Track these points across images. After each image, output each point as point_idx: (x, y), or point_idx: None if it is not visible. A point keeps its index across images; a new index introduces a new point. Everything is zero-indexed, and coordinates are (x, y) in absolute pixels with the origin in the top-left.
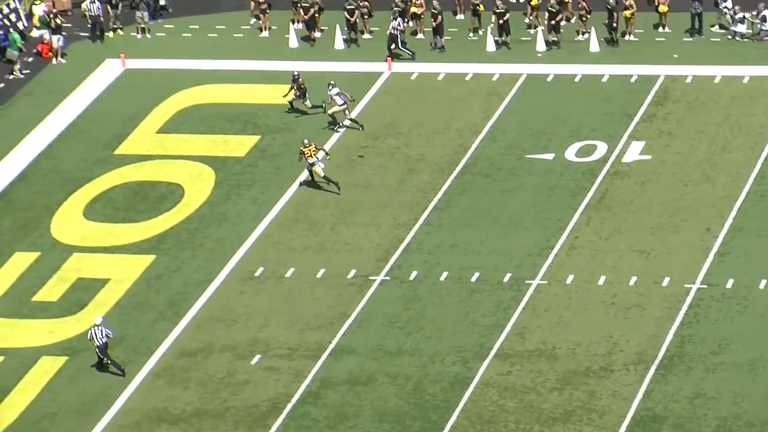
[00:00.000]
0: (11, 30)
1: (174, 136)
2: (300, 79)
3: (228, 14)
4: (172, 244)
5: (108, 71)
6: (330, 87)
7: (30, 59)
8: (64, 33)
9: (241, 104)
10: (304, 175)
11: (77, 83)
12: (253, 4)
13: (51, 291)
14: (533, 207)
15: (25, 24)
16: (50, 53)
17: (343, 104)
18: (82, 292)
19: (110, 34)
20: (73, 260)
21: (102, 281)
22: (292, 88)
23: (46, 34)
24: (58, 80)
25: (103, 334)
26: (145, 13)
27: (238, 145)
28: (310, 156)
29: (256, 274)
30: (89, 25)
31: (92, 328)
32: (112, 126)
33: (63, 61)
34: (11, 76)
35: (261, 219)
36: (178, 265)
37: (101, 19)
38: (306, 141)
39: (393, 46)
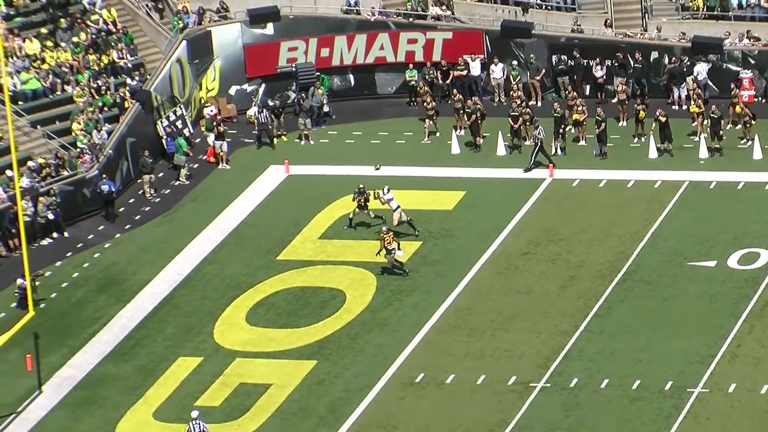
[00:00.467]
0: (178, 136)
1: (336, 242)
2: (366, 193)
3: (390, 121)
4: (333, 350)
5: (271, 177)
6: (384, 192)
7: (195, 165)
8: (228, 139)
9: (404, 210)
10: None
11: (241, 189)
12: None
13: (213, 396)
14: (695, 314)
15: (191, 130)
16: (214, 158)
17: (397, 208)
18: (244, 397)
19: (274, 140)
20: (236, 365)
21: (264, 386)
22: (355, 199)
23: (210, 137)
24: (222, 186)
25: (200, 430)
26: (308, 120)
27: (411, 246)
28: (390, 243)
29: (417, 379)
30: (255, 132)
31: (190, 423)
32: (275, 232)
33: (227, 166)
34: (177, 182)
35: (422, 325)
36: (339, 370)
37: (269, 126)
38: (385, 229)
39: (536, 153)
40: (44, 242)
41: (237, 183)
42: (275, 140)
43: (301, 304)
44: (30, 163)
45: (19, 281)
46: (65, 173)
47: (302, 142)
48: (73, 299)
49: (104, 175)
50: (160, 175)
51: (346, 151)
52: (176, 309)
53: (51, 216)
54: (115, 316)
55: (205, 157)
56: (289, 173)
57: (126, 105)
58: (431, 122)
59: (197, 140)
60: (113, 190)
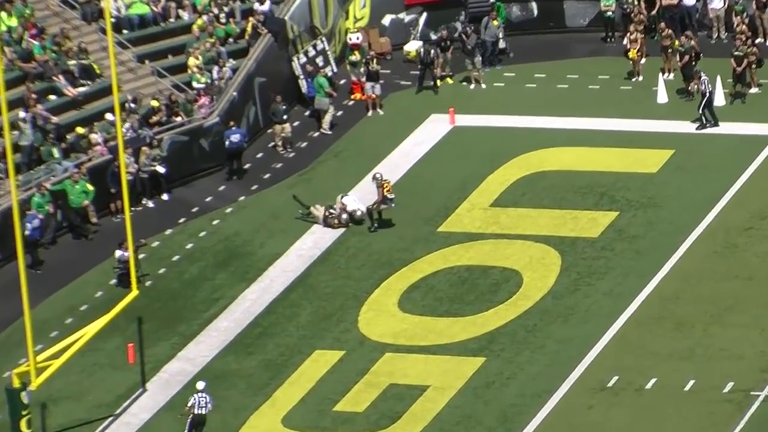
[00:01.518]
0: (318, 75)
1: (512, 211)
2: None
3: (582, 60)
4: (505, 345)
5: (432, 129)
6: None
7: (339, 113)
8: (381, 81)
9: (596, 173)
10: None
11: (395, 143)
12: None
13: (357, 399)
14: None
15: (335, 69)
16: (363, 95)
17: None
18: (395, 401)
19: (437, 82)
20: (385, 362)
21: (419, 388)
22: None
23: (357, 76)
24: (372, 139)
25: (206, 404)
26: (479, 59)
27: (591, 224)
28: (389, 191)
29: (609, 384)
30: (417, 71)
31: (195, 396)
32: (436, 197)
33: (380, 112)
34: (317, 133)
35: (616, 316)
36: (513, 370)
37: (432, 65)
38: (378, 174)
39: (703, 106)
40: (150, 204)
41: (390, 135)
42: (438, 82)
43: (467, 287)
44: (108, 116)
45: (119, 253)
46: (178, 119)
47: (471, 86)
48: (185, 276)
49: (232, 123)
50: (296, 124)
51: (526, 98)
52: (312, 291)
53: (161, 169)
54: (237, 299)
55: (350, 102)
56: (454, 124)
57: (254, 34)
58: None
59: (341, 82)
60: (243, 141)
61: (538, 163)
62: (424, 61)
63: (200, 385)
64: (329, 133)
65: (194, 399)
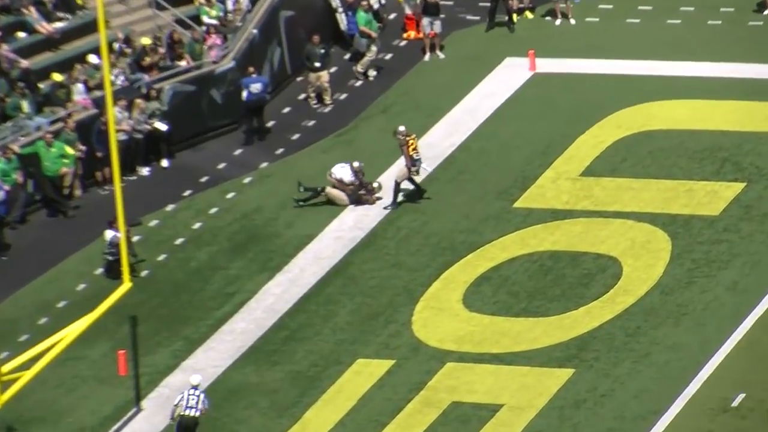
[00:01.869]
0: (358, 7)
1: (608, 182)
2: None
3: None
4: (600, 353)
5: (507, 77)
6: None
7: (388, 56)
8: (442, 15)
9: (717, 132)
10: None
11: (459, 94)
12: None
13: (410, 422)
14: None
15: (382, 1)
16: (418, 33)
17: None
18: (458, 424)
19: (514, 17)
20: (446, 374)
21: (489, 408)
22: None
23: (407, 7)
24: (430, 88)
25: (199, 405)
26: None
27: (710, 198)
28: (415, 150)
29: (734, 403)
30: (489, 1)
31: (185, 393)
32: (511, 163)
33: (440, 55)
34: (358, 82)
35: (742, 316)
36: (610, 385)
37: None
38: (402, 128)
39: None
40: (145, 172)
41: (453, 83)
42: (515, 17)
43: (551, 279)
44: (91, 59)
45: (109, 234)
46: (182, 64)
47: (557, 22)
48: (192, 264)
49: (251, 69)
50: (333, 70)
51: (627, 38)
52: (353, 283)
53: (161, 127)
54: (257, 293)
55: (403, 42)
56: (535, 70)
57: None
58: None
59: (391, 16)
60: (265, 92)
61: (642, 120)
62: None
63: (194, 379)
64: (369, 79)
65: (182, 396)
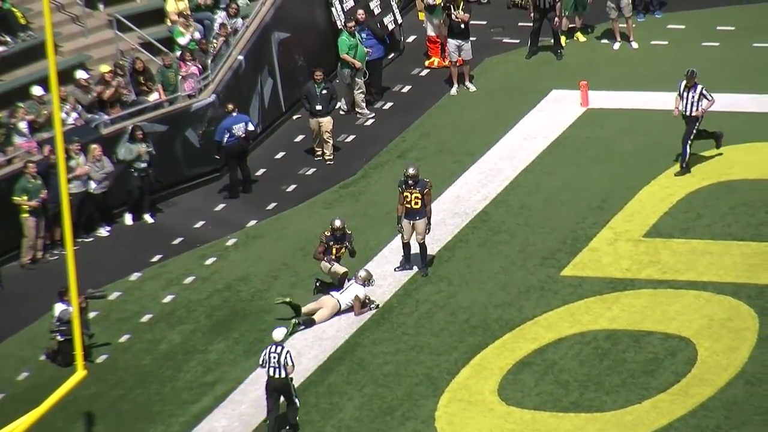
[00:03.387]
0: (341, 30)
1: (679, 244)
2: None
3: None
4: None
5: (553, 113)
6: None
7: (405, 89)
8: (472, 38)
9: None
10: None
11: (493, 136)
12: None
13: None
14: None
15: (398, 19)
16: (443, 60)
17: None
18: None
19: (562, 40)
20: None
21: None
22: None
23: (430, 28)
24: (456, 128)
25: (280, 365)
26: (628, 1)
27: None
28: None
29: None
30: (532, 20)
31: (265, 350)
32: (559, 221)
33: (470, 87)
34: (369, 119)
35: None
36: None
37: (554, 11)
38: (412, 171)
39: None
40: (103, 233)
41: (486, 122)
42: (563, 39)
43: (607, 365)
44: (80, 74)
45: (59, 308)
46: (151, 98)
47: (615, 45)
48: (161, 347)
49: (231, 106)
50: (338, 107)
51: (703, 65)
52: (364, 370)
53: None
54: (243, 382)
55: (424, 71)
56: (588, 106)
57: None
58: None
59: (410, 39)
60: (251, 129)
61: (721, 167)
62: (541, 5)
63: (277, 334)
64: (369, 115)
65: (264, 355)
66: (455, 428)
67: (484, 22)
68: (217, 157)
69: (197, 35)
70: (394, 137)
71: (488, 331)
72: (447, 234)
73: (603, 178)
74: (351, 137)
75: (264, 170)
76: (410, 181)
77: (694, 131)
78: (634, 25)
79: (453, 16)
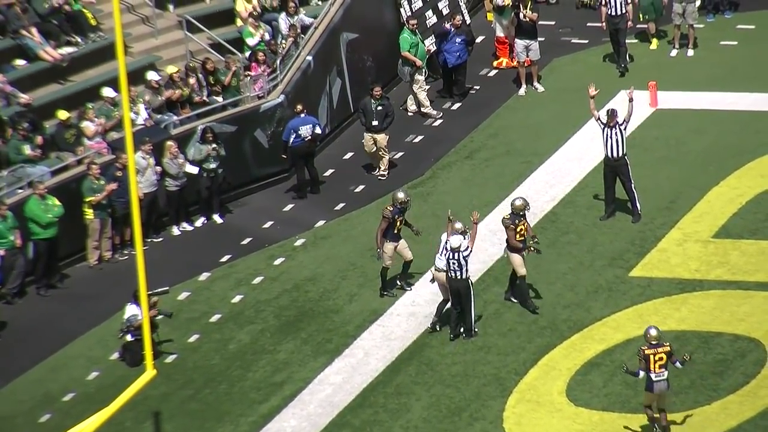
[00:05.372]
0: (403, 27)
1: (749, 245)
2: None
3: None
4: None
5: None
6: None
7: (475, 89)
8: (541, 38)
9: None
10: None
11: (561, 136)
12: None
13: None
14: None
15: (467, 18)
16: (511, 61)
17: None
18: None
19: (653, 40)
20: None
21: None
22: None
23: (499, 28)
24: (524, 129)
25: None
26: (695, 4)
27: None
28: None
29: None
30: (604, 24)
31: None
32: (626, 221)
33: (538, 87)
34: (437, 120)
35: None
36: None
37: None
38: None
39: None
40: (176, 232)
41: (554, 122)
42: (654, 42)
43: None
44: (151, 75)
45: (130, 311)
46: (219, 100)
47: (672, 52)
48: (230, 347)
49: (299, 107)
50: (411, 108)
51: (766, 63)
52: (432, 370)
53: (192, 170)
54: (312, 382)
55: (492, 71)
56: (657, 106)
57: None
58: None
59: (479, 39)
60: (317, 132)
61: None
62: (611, 12)
63: (455, 241)
64: (438, 116)
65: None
66: (523, 429)
67: (553, 23)
68: (283, 156)
69: (267, 36)
70: (462, 138)
71: (556, 331)
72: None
73: (672, 178)
74: (419, 137)
75: (332, 170)
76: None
77: (629, 172)
78: (694, 25)
79: (522, 16)
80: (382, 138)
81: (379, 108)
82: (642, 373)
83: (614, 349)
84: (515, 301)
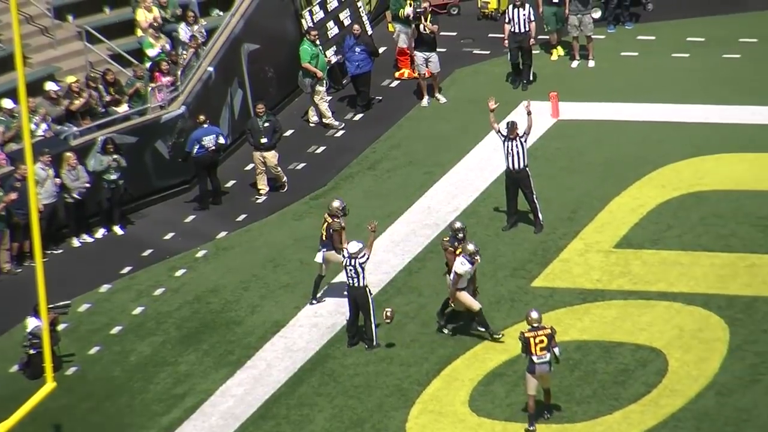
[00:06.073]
0: (303, 38)
1: (650, 255)
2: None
3: (759, 14)
4: None
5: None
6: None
7: (376, 99)
8: (441, 49)
9: None
10: None
11: (463, 147)
12: None
13: None
14: None
15: (369, 29)
16: (413, 72)
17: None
18: None
19: (553, 50)
20: None
21: None
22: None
23: (402, 39)
24: (427, 140)
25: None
26: (589, 16)
27: None
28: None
29: None
30: (506, 40)
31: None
32: (529, 231)
33: (440, 99)
34: (339, 130)
35: None
36: None
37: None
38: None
39: None
40: (76, 243)
41: (456, 133)
42: (555, 52)
43: (578, 375)
44: (50, 86)
45: (31, 323)
46: (121, 110)
47: (573, 63)
48: (131, 359)
49: (202, 117)
50: (312, 119)
51: (674, 76)
52: (334, 381)
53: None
54: (214, 394)
55: (394, 82)
56: (558, 117)
57: None
58: None
59: (382, 50)
60: (221, 143)
61: (691, 178)
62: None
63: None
64: (339, 128)
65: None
66: None
67: (455, 33)
68: (180, 160)
69: (167, 47)
70: (364, 148)
71: (459, 342)
72: (418, 245)
73: (573, 189)
74: (321, 148)
75: (234, 182)
76: (461, 235)
77: (531, 183)
78: (591, 38)
79: (422, 28)
80: (270, 156)
81: (266, 125)
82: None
83: (517, 359)
84: (478, 330)
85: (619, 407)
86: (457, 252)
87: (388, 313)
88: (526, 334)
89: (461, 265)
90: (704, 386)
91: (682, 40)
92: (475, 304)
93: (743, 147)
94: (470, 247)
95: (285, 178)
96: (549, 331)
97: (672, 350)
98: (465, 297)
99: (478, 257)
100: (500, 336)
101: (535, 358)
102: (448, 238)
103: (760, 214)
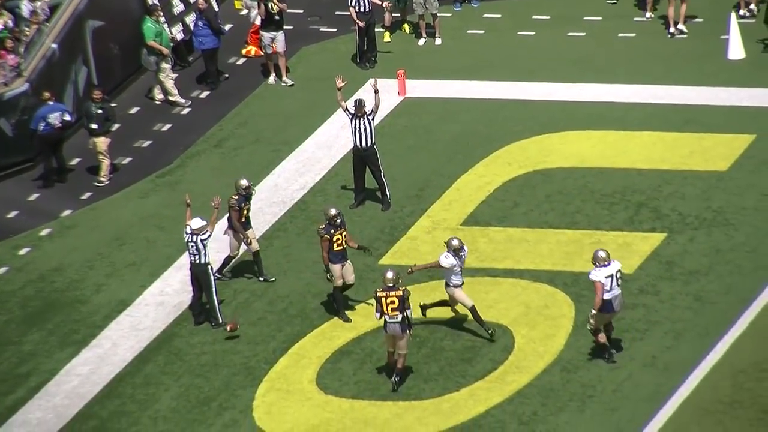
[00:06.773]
0: (145, 17)
1: (496, 232)
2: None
3: None
4: None
5: (370, 103)
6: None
7: (225, 77)
8: (288, 26)
9: (630, 171)
10: None
11: (310, 125)
12: None
13: None
14: None
15: (215, 7)
16: (259, 50)
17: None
18: None
19: (386, 35)
20: None
21: None
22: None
23: (252, 14)
24: (273, 118)
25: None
26: None
27: (623, 252)
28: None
29: None
30: (356, 23)
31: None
32: (376, 209)
33: (286, 81)
34: (186, 108)
35: (662, 398)
36: None
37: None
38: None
39: None
40: None
41: (303, 111)
42: (386, 35)
43: (425, 353)
44: None
45: None
46: None
47: (420, 41)
48: None
49: (47, 94)
50: (158, 97)
51: (519, 54)
52: (181, 360)
53: None
54: (58, 374)
55: (241, 60)
56: (405, 95)
57: None
58: None
59: (227, 27)
60: (67, 119)
61: (537, 156)
62: (362, 8)
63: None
64: (186, 105)
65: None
66: (273, 417)
67: (302, 11)
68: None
69: (10, 23)
70: (211, 126)
71: (306, 320)
72: (265, 223)
73: (421, 166)
74: (167, 126)
75: (79, 159)
76: (338, 221)
77: (379, 161)
78: (438, 18)
79: (269, 7)
80: (100, 141)
81: (99, 111)
82: None
83: (364, 336)
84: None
85: (465, 384)
86: (335, 239)
87: (231, 326)
88: (379, 293)
89: (445, 259)
90: (550, 362)
91: (527, 18)
92: (468, 301)
93: (588, 125)
94: (455, 242)
95: (107, 170)
96: (401, 293)
97: (518, 327)
98: (459, 294)
99: (463, 253)
100: (492, 332)
101: (387, 318)
102: (323, 226)
103: (605, 191)
